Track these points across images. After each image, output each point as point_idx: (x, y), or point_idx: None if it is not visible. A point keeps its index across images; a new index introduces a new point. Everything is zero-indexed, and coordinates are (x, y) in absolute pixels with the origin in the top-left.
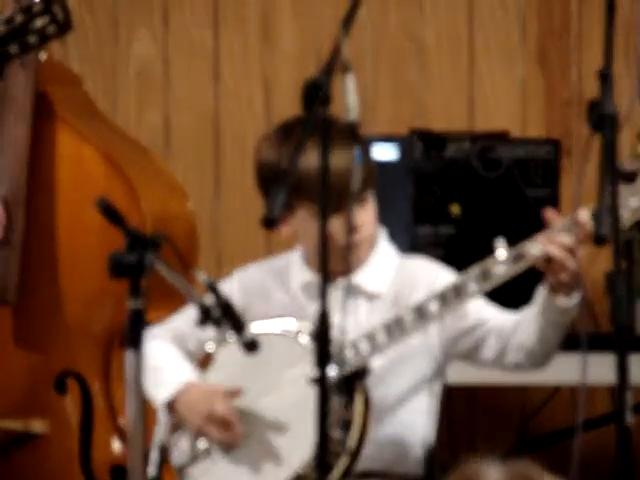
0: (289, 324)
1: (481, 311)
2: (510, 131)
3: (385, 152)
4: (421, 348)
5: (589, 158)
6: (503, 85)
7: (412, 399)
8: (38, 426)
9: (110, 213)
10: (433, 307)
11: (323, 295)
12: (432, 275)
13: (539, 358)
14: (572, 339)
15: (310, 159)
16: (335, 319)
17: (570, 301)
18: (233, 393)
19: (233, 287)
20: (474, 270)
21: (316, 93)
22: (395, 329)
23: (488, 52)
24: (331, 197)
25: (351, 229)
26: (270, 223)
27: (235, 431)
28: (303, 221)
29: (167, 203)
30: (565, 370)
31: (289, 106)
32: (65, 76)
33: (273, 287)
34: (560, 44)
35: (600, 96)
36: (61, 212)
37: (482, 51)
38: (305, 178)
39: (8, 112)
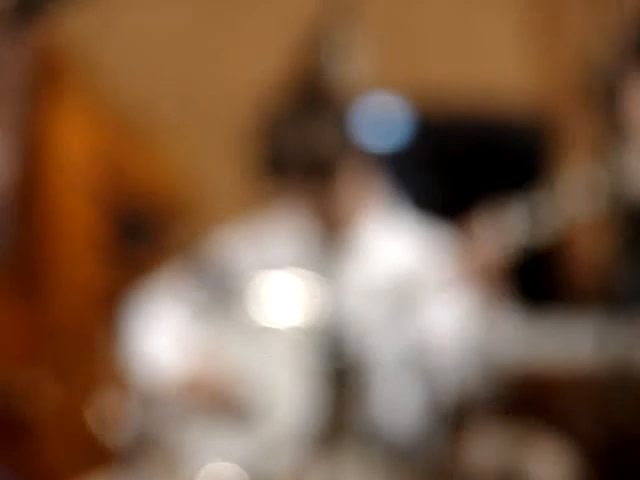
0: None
1: None
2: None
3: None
4: None
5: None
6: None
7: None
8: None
9: None
10: None
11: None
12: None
13: None
14: None
15: (284, 134)
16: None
17: None
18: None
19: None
20: None
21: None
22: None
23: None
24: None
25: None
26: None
27: (222, 393)
28: (283, 197)
29: (153, 170)
30: None
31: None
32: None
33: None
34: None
35: None
36: (56, 174)
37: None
38: (278, 156)
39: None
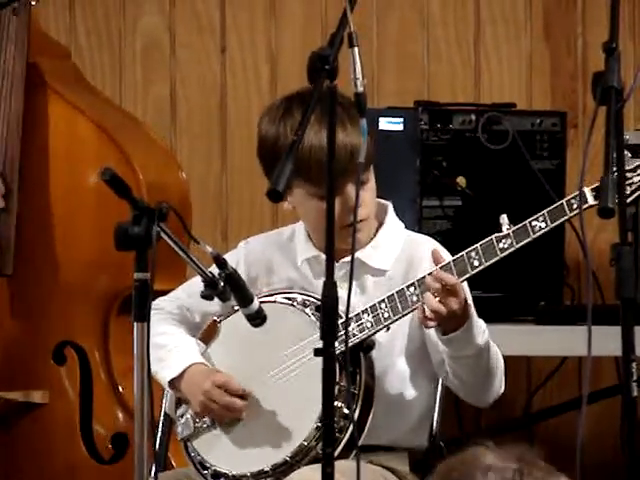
0: (295, 297)
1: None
2: (516, 104)
3: (391, 125)
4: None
5: (595, 131)
6: (509, 58)
7: (412, 371)
8: (38, 396)
9: (116, 184)
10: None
11: (330, 273)
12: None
13: (465, 394)
14: (578, 311)
15: (309, 137)
16: (340, 295)
17: (452, 334)
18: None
19: (239, 259)
20: (477, 246)
21: (322, 66)
22: (398, 302)
23: (494, 24)
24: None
25: (355, 208)
26: (276, 195)
27: (237, 402)
28: (301, 200)
29: (161, 171)
30: (571, 342)
31: (295, 78)
32: (54, 48)
33: (279, 261)
34: (566, 16)
35: (605, 69)
36: (55, 182)
37: (488, 23)
38: (302, 158)
39: (1, 85)
